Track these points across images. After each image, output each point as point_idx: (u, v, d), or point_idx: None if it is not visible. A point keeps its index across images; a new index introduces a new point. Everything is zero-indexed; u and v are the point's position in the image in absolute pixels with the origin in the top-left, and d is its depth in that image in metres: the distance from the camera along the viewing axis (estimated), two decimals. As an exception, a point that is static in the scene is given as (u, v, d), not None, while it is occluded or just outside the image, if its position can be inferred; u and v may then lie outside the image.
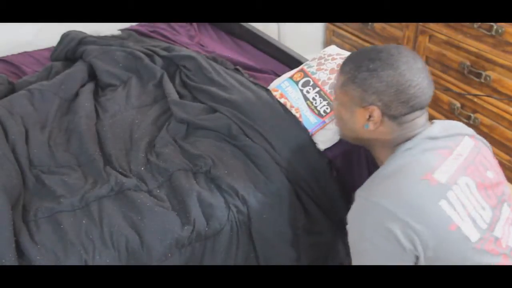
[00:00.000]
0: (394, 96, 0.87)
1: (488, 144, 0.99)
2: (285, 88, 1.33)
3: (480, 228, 0.84)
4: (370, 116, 0.90)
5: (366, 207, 0.85)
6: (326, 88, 1.29)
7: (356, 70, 0.91)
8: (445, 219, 0.81)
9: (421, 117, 0.91)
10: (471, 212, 0.84)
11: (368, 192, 0.86)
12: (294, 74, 1.35)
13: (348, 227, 0.89)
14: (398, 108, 0.88)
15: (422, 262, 0.81)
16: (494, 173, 0.92)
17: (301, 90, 1.30)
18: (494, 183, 0.90)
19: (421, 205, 0.81)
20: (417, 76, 0.88)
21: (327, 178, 1.18)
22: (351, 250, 0.90)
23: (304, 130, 1.24)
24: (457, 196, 0.83)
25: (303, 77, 1.32)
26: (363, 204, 0.86)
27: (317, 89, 1.27)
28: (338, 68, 0.97)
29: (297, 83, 1.32)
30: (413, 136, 0.90)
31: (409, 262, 0.82)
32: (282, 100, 1.31)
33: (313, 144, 1.22)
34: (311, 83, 1.30)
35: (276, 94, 1.33)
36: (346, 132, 1.00)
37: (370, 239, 0.83)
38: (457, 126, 0.96)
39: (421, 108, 0.90)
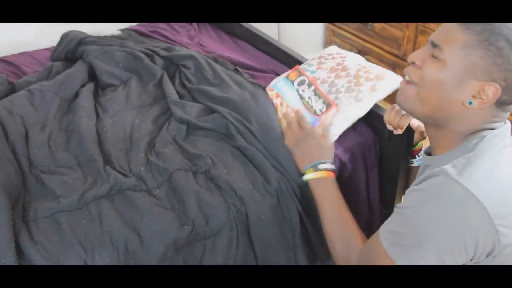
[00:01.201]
0: None
1: None
2: (281, 88, 1.34)
3: None
4: (481, 94, 0.77)
5: (457, 191, 0.73)
6: (326, 86, 1.30)
7: (492, 34, 0.75)
8: None
9: (510, 112, 0.83)
10: None
11: (463, 177, 0.74)
12: (289, 74, 1.36)
13: (416, 199, 0.78)
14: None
15: (497, 257, 0.75)
16: None
17: (297, 90, 1.31)
18: None
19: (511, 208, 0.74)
20: None
21: None
22: (401, 222, 0.78)
23: None
24: None
25: (298, 76, 1.33)
26: (454, 186, 0.74)
27: (313, 88, 1.28)
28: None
29: (292, 82, 1.33)
30: (492, 128, 0.81)
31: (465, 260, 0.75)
32: (278, 100, 1.32)
33: None
34: (307, 82, 1.30)
35: (272, 93, 1.34)
36: (427, 102, 0.82)
37: (446, 225, 0.73)
38: None
39: None
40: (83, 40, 1.65)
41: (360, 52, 2.39)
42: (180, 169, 1.15)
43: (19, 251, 0.93)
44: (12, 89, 1.46)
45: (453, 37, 0.79)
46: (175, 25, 1.90)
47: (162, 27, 1.86)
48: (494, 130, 0.81)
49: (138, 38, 1.79)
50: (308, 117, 1.25)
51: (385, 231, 0.82)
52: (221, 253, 1.07)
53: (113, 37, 1.80)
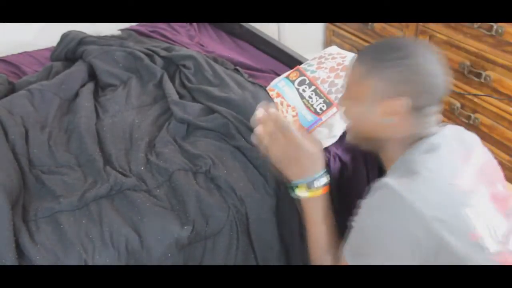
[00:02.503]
0: (423, 86, 0.83)
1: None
2: (281, 88, 1.34)
3: (499, 240, 0.80)
4: (394, 109, 0.84)
5: (396, 202, 0.78)
6: (326, 86, 1.30)
7: (378, 60, 0.85)
8: (468, 227, 0.77)
9: (437, 114, 0.88)
10: (489, 222, 0.80)
11: (401, 187, 0.78)
12: (290, 74, 1.37)
13: (364, 212, 0.82)
14: (425, 99, 0.84)
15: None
16: (503, 185, 0.89)
17: (297, 89, 1.31)
18: (504, 196, 0.87)
19: (449, 210, 0.77)
20: (439, 66, 0.86)
21: None
22: (356, 234, 0.83)
23: None
24: (479, 204, 0.80)
25: (299, 76, 1.33)
26: (394, 197, 0.78)
27: (313, 87, 1.29)
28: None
29: (293, 82, 1.33)
30: (430, 134, 0.86)
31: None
32: (278, 99, 1.32)
33: None
34: (307, 81, 1.31)
35: (273, 93, 1.34)
36: (360, 132, 0.93)
37: (389, 235, 0.78)
38: (467, 133, 0.93)
39: (440, 101, 0.87)
40: (83, 40, 1.65)
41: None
42: (180, 169, 1.14)
43: (19, 251, 0.93)
44: (12, 89, 1.46)
45: (353, 74, 0.89)
46: (175, 25, 1.90)
47: (162, 27, 1.86)
48: (430, 137, 0.86)
49: (138, 38, 1.79)
50: (309, 116, 1.25)
51: (346, 244, 0.86)
52: (221, 253, 1.07)
53: (113, 37, 1.80)
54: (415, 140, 0.87)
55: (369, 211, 0.82)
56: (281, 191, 1.14)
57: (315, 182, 0.94)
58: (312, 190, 0.94)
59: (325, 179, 0.95)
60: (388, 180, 0.80)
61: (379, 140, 0.91)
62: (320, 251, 0.96)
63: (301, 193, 0.95)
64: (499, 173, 0.91)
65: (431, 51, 0.86)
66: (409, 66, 0.83)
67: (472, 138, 0.93)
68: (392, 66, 0.83)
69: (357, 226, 0.84)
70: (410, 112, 0.85)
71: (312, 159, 0.95)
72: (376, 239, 0.80)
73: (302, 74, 1.33)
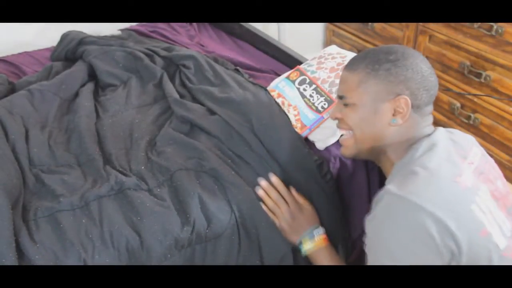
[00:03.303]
0: (420, 83, 0.87)
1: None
2: (282, 88, 1.35)
3: (506, 235, 0.81)
4: (398, 108, 0.87)
5: (402, 206, 0.77)
6: (326, 86, 1.30)
7: (375, 63, 0.88)
8: (478, 224, 0.77)
9: (431, 114, 0.91)
10: (496, 219, 0.80)
11: (403, 190, 0.78)
12: (290, 74, 1.37)
13: (372, 228, 0.81)
14: (423, 96, 0.87)
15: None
16: (502, 183, 0.90)
17: (298, 89, 1.32)
18: (504, 193, 0.88)
19: (457, 208, 0.77)
20: (429, 66, 0.90)
21: (318, 179, 1.17)
22: (374, 255, 0.81)
23: (295, 131, 1.24)
24: (483, 201, 0.80)
25: (299, 76, 1.34)
26: (398, 202, 0.78)
27: (314, 86, 1.29)
28: (342, 66, 0.96)
29: (293, 82, 1.34)
30: (425, 135, 0.88)
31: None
32: (280, 100, 1.32)
33: (304, 144, 1.22)
34: (308, 81, 1.31)
35: (274, 94, 1.35)
36: (362, 140, 0.92)
37: (405, 243, 0.76)
38: (461, 133, 0.94)
39: (433, 101, 0.91)
40: (83, 40, 1.65)
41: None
42: (182, 169, 1.14)
43: (18, 250, 0.93)
44: (12, 89, 1.46)
45: (349, 83, 0.91)
46: (175, 25, 1.90)
47: (162, 27, 1.86)
48: (426, 138, 0.87)
49: (138, 38, 1.79)
50: (310, 115, 1.26)
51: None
52: (221, 257, 1.07)
53: (113, 37, 1.80)
54: (413, 143, 0.88)
55: (378, 224, 0.80)
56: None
57: (314, 233, 1.06)
58: (314, 240, 1.05)
59: (321, 230, 1.08)
60: (388, 187, 0.81)
61: (381, 146, 0.92)
62: None
63: (307, 246, 1.06)
64: (497, 170, 0.92)
65: (420, 54, 0.91)
66: (405, 66, 0.87)
67: (467, 138, 0.93)
68: (388, 68, 0.87)
69: (368, 245, 0.83)
70: (412, 111, 0.87)
71: (309, 218, 1.08)
72: (396, 249, 0.78)
73: (302, 73, 1.34)
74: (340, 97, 0.94)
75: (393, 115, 0.88)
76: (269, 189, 1.11)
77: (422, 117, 0.89)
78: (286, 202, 1.10)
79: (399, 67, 0.86)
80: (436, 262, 0.76)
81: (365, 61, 0.89)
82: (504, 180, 0.92)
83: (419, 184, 0.78)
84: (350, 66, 0.93)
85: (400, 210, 0.77)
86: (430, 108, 0.91)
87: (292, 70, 1.38)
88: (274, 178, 1.11)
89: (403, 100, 0.86)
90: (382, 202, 0.80)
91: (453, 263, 0.77)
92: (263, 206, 1.10)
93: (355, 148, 0.95)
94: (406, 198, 0.76)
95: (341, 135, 1.03)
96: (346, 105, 0.93)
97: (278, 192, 1.11)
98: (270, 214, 1.10)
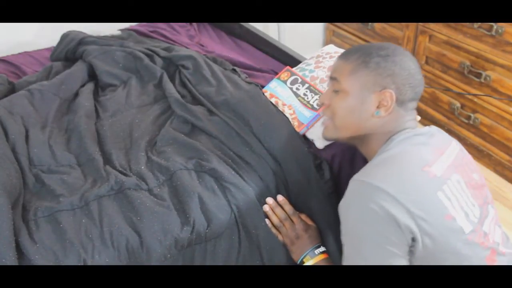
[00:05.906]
0: (406, 79, 0.92)
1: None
2: (273, 88, 1.36)
3: (472, 221, 0.86)
4: (382, 101, 0.92)
5: (365, 191, 0.84)
6: (325, 86, 1.30)
7: (367, 56, 0.93)
8: (442, 209, 0.83)
9: (415, 111, 0.97)
10: (463, 206, 0.87)
11: (367, 176, 0.85)
12: (280, 75, 1.38)
13: (341, 214, 0.88)
14: (407, 92, 0.92)
15: (419, 248, 0.82)
16: (478, 176, 0.96)
17: (291, 88, 1.33)
18: (479, 184, 0.94)
19: (421, 193, 0.83)
20: (417, 65, 0.95)
21: (317, 179, 1.17)
22: (345, 239, 0.88)
23: (294, 130, 1.24)
24: (451, 190, 0.86)
25: (290, 76, 1.35)
26: (362, 188, 0.85)
27: (307, 85, 1.30)
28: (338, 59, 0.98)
29: (285, 82, 1.35)
30: (407, 129, 0.94)
31: (406, 247, 0.83)
32: (273, 100, 1.33)
33: (303, 143, 1.22)
34: (300, 80, 1.33)
35: (266, 95, 1.35)
36: (346, 127, 0.97)
37: (369, 223, 0.82)
38: (442, 131, 0.99)
39: (418, 98, 0.96)
40: (83, 40, 1.65)
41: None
42: (183, 169, 1.14)
43: (18, 250, 0.93)
44: (12, 89, 1.46)
45: (342, 70, 0.96)
46: (175, 25, 1.90)
47: (162, 27, 1.86)
48: (402, 132, 0.92)
49: (138, 38, 1.78)
50: (307, 112, 1.26)
51: (344, 258, 0.91)
52: (221, 257, 1.07)
53: (113, 37, 1.80)
54: (393, 135, 0.94)
55: (345, 209, 0.88)
56: (281, 194, 1.14)
57: (315, 250, 1.09)
58: (315, 257, 1.08)
59: (323, 248, 1.11)
60: (355, 176, 0.87)
61: (361, 136, 0.96)
62: None
63: (308, 263, 1.09)
64: (473, 165, 0.98)
65: (409, 53, 0.96)
66: (394, 62, 0.92)
67: (447, 136, 0.98)
68: (379, 61, 0.92)
69: (343, 230, 0.88)
70: (396, 105, 0.92)
71: (312, 238, 1.11)
72: (359, 233, 0.84)
73: (293, 73, 1.35)
74: (332, 78, 0.99)
75: (377, 107, 0.92)
76: (276, 207, 1.14)
77: (406, 111, 0.94)
78: (292, 221, 1.12)
79: (388, 62, 0.92)
80: (401, 241, 0.81)
81: (358, 53, 0.95)
82: (481, 173, 0.98)
83: (382, 170, 0.85)
84: (344, 55, 0.97)
85: (362, 193, 0.84)
86: (414, 104, 0.96)
87: (282, 71, 1.39)
88: (281, 198, 1.15)
89: (389, 94, 0.91)
90: (348, 188, 0.88)
91: (416, 244, 0.82)
92: (268, 222, 1.13)
93: (335, 133, 1.00)
94: (366, 181, 0.83)
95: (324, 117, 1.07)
96: (336, 91, 0.97)
97: (284, 210, 1.14)
98: (273, 230, 1.13)
